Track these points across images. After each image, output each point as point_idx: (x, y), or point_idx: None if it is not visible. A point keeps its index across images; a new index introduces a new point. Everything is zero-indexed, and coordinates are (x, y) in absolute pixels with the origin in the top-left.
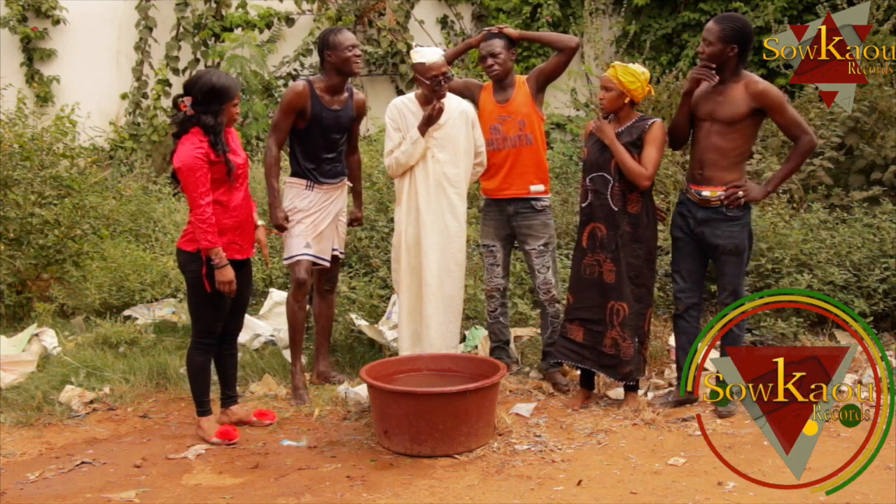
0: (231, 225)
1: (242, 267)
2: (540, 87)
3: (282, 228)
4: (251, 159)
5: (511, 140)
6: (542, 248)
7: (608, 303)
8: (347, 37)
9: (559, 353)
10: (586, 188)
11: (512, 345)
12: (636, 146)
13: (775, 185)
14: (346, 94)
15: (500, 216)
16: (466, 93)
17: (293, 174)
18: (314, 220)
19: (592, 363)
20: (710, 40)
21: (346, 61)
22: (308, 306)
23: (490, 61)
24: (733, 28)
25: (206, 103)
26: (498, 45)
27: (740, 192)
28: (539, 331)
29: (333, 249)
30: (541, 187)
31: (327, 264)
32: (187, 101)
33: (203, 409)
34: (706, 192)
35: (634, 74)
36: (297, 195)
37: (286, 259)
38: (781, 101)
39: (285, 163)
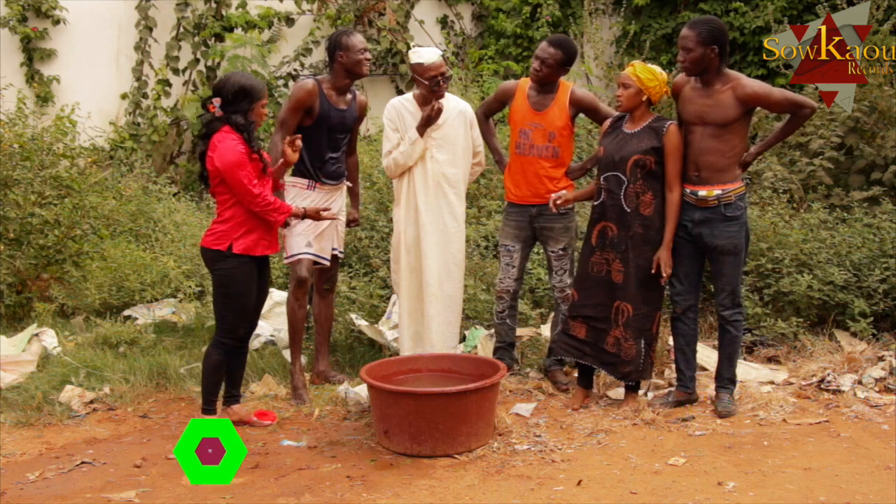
0: (261, 221)
1: (265, 265)
2: (578, 113)
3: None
4: None
5: (538, 149)
6: (561, 251)
7: (615, 302)
8: (360, 39)
9: (560, 348)
10: (600, 187)
11: None
12: (657, 151)
13: (762, 147)
14: (349, 95)
15: (523, 217)
16: (502, 99)
17: (294, 174)
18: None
19: (593, 359)
20: (689, 46)
21: (357, 63)
22: (308, 306)
23: (537, 65)
24: (710, 30)
25: (236, 103)
26: (550, 53)
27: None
28: (539, 331)
29: (333, 249)
30: (563, 192)
31: (327, 263)
32: (216, 101)
33: (209, 407)
34: (702, 192)
35: (653, 73)
36: (297, 195)
37: (287, 258)
38: (769, 93)
39: None
